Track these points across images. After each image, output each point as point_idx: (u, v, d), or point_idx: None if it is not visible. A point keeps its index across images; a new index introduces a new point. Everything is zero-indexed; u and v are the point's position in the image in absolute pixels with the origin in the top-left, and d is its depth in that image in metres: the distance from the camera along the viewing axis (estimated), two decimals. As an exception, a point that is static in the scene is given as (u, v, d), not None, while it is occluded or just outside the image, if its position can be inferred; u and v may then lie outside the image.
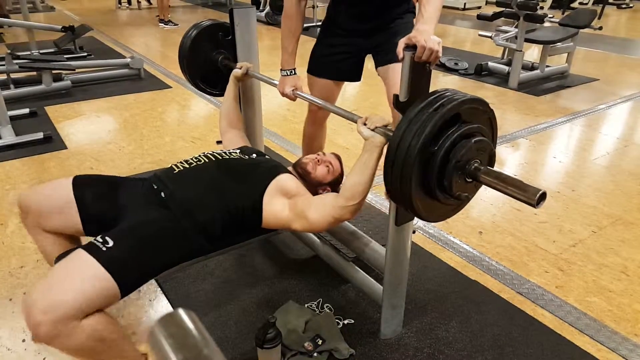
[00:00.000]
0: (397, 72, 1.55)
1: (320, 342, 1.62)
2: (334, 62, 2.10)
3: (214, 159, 1.64)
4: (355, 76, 2.20)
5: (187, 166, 1.62)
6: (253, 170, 1.63)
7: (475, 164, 1.21)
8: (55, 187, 1.51)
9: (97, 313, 1.24)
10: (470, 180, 1.23)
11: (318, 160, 1.76)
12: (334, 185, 1.84)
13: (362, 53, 2.10)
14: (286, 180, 1.60)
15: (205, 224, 1.49)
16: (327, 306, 1.84)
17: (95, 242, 1.32)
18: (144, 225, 1.42)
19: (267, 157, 1.82)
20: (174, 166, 1.64)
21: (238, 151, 1.75)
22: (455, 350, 1.66)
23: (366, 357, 1.62)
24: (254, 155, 1.75)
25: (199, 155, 1.67)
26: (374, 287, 1.74)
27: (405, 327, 1.75)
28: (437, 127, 1.16)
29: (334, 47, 2.08)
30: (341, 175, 1.86)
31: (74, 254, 1.30)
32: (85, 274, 1.23)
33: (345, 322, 1.77)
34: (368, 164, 1.41)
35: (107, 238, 1.33)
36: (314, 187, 1.74)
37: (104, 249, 1.29)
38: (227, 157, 1.67)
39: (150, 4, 9.71)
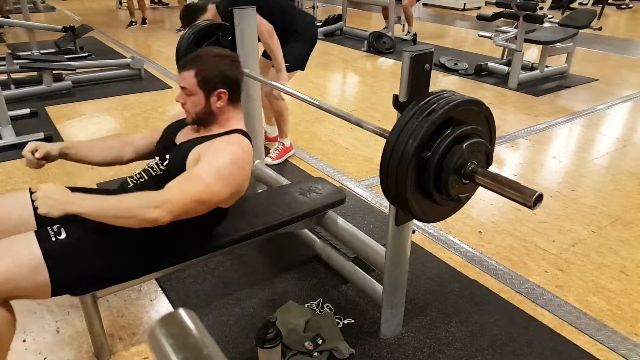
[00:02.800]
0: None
1: (320, 341, 1.62)
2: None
3: (148, 177, 1.55)
4: None
5: (136, 181, 1.56)
6: (176, 174, 1.48)
7: (472, 166, 1.21)
8: (8, 201, 1.46)
9: (3, 308, 1.23)
10: (467, 181, 1.23)
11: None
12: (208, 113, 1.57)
13: None
14: (189, 162, 1.47)
15: (168, 234, 1.45)
16: (327, 306, 1.84)
17: (49, 229, 1.31)
18: (107, 228, 1.34)
19: (176, 146, 1.59)
20: (129, 180, 1.59)
21: (157, 160, 1.59)
22: (455, 350, 1.67)
23: (366, 357, 1.62)
24: (167, 156, 1.55)
25: (140, 172, 1.59)
26: (374, 287, 1.75)
27: (405, 326, 1.75)
28: (430, 133, 1.16)
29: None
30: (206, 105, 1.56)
31: (24, 235, 1.29)
32: (22, 258, 1.22)
33: (345, 321, 1.77)
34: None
35: (62, 229, 1.31)
36: (208, 117, 1.56)
37: (54, 239, 1.28)
38: (156, 170, 1.55)
39: (154, 3, 9.70)
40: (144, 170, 1.58)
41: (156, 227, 1.33)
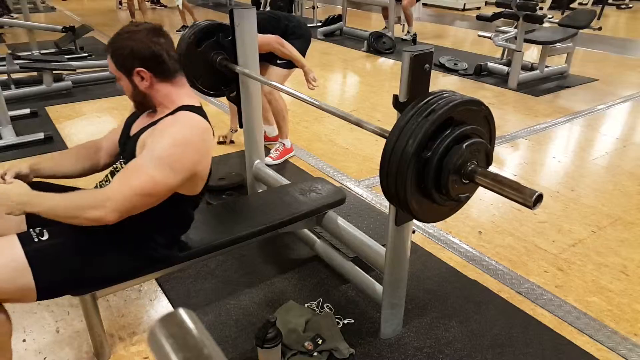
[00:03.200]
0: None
1: (320, 341, 1.62)
2: None
3: (113, 178, 1.51)
4: None
5: (102, 185, 1.51)
6: None
7: (472, 166, 1.21)
8: None
9: None
10: (467, 181, 1.24)
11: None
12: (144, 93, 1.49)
13: None
14: (137, 153, 1.41)
15: (150, 233, 1.44)
16: (327, 306, 1.84)
17: (31, 231, 1.29)
18: (89, 229, 1.28)
19: (130, 138, 1.53)
20: (98, 185, 1.54)
21: (121, 158, 1.54)
22: (455, 350, 1.67)
23: (366, 357, 1.62)
24: (125, 153, 1.52)
25: (107, 174, 1.55)
26: (374, 287, 1.75)
27: (405, 326, 1.75)
28: (429, 133, 1.17)
29: None
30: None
31: (7, 237, 1.27)
32: (4, 261, 1.20)
33: (345, 321, 1.77)
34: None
35: (44, 231, 1.29)
36: (145, 100, 1.50)
37: (36, 240, 1.26)
38: (119, 170, 1.50)
39: (154, 3, 9.69)
40: (110, 171, 1.53)
41: (138, 226, 1.31)
